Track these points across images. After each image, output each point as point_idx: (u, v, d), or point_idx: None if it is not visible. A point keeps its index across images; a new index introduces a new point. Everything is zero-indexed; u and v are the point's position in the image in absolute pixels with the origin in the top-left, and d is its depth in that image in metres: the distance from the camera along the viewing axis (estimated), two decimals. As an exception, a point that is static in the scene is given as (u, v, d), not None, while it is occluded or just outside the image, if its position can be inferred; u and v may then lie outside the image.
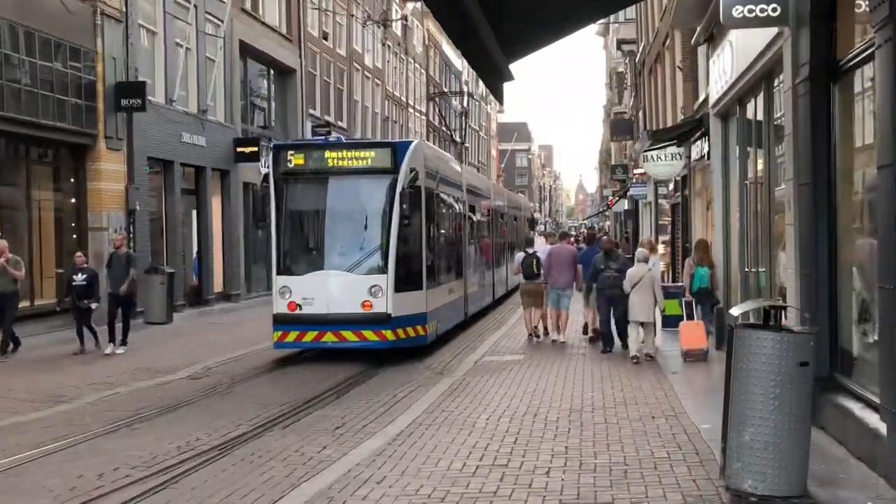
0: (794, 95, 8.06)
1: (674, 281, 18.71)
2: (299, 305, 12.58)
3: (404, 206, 12.48)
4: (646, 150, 18.78)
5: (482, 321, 18.58)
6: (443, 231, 15.18)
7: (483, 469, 6.76)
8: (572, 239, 17.14)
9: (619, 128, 37.75)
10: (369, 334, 12.52)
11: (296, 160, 12.87)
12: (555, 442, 7.57)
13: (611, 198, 50.59)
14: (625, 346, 13.10)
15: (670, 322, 14.54)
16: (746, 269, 11.91)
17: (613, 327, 13.23)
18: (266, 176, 13.18)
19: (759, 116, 10.64)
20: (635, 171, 30.91)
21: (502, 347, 14.40)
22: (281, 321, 12.69)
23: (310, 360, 13.67)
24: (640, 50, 30.29)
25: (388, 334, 12.54)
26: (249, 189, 26.54)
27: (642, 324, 12.40)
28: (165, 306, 18.84)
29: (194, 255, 22.92)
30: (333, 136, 15.70)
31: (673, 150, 18.41)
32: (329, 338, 12.58)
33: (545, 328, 14.96)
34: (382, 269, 12.51)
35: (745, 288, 12.04)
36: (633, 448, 7.24)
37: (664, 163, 18.81)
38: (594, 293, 13.44)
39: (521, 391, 10.26)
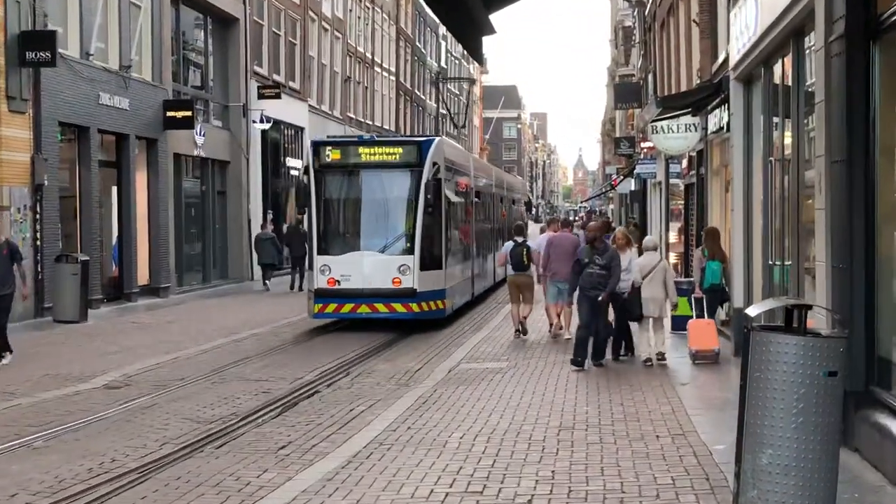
0: (826, 56, 8.06)
1: (687, 276, 18.85)
2: (338, 281, 17.43)
3: (428, 196, 17.34)
4: (655, 120, 18.83)
5: (464, 319, 19.72)
6: (457, 218, 20.06)
7: (454, 497, 6.78)
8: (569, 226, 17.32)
9: (625, 93, 37.90)
10: (398, 306, 17.41)
11: (333, 154, 17.70)
12: (540, 465, 7.61)
13: (615, 177, 50.82)
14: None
15: (677, 324, 14.76)
16: (770, 262, 11.99)
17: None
18: (306, 168, 17.90)
19: (788, 81, 10.67)
20: (643, 146, 31.05)
21: (483, 353, 14.47)
22: (321, 295, 17.46)
23: (255, 365, 13.72)
24: None
25: (414, 307, 17.47)
26: (183, 162, 26.39)
27: (653, 320, 12.84)
28: (78, 302, 18.69)
29: (114, 241, 22.82)
30: (367, 135, 21.68)
31: (687, 120, 18.49)
32: (363, 309, 17.42)
33: (523, 326, 16.11)
34: (410, 251, 17.47)
35: (768, 284, 12.13)
36: (632, 473, 7.29)
37: (676, 135, 18.89)
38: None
39: (502, 404, 10.30)
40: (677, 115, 18.40)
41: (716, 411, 9.76)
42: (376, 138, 19.08)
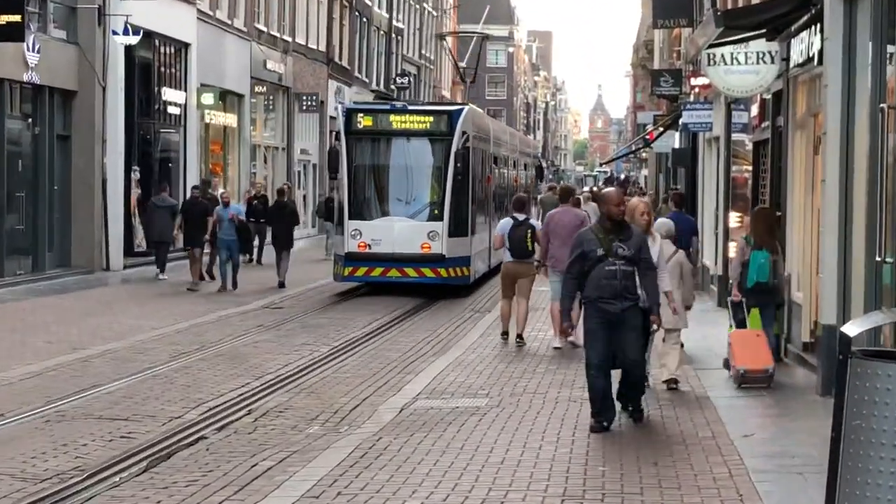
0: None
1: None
2: (369, 245, 25.07)
3: (458, 164, 25.41)
4: (713, 46, 18.89)
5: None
6: (481, 186, 28.70)
7: None
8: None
9: (669, 5, 37.96)
10: (427, 271, 25.06)
11: (365, 122, 25.81)
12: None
13: (650, 128, 50.99)
14: (632, 411, 12.28)
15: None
16: (879, 258, 12.08)
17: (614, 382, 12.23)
18: (338, 134, 26.16)
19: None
20: (693, 83, 31.13)
21: (452, 383, 14.50)
22: (352, 258, 25.17)
23: (111, 397, 13.67)
24: None
25: (443, 272, 25.16)
26: (5, 91, 26.14)
27: (665, 332, 13.38)
28: None
29: None
30: (399, 103, 28.29)
31: (760, 46, 18.57)
32: (393, 273, 25.07)
33: (520, 335, 17.79)
34: (439, 217, 25.40)
35: (874, 289, 12.23)
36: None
37: (744, 68, 18.96)
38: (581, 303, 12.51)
39: (476, 464, 10.35)
40: (746, 39, 18.47)
41: (793, 475, 9.84)
42: (408, 107, 27.15)
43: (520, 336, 17.88)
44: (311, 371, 16.12)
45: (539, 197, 40.95)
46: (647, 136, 51.51)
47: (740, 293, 14.90)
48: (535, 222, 18.72)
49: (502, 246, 18.31)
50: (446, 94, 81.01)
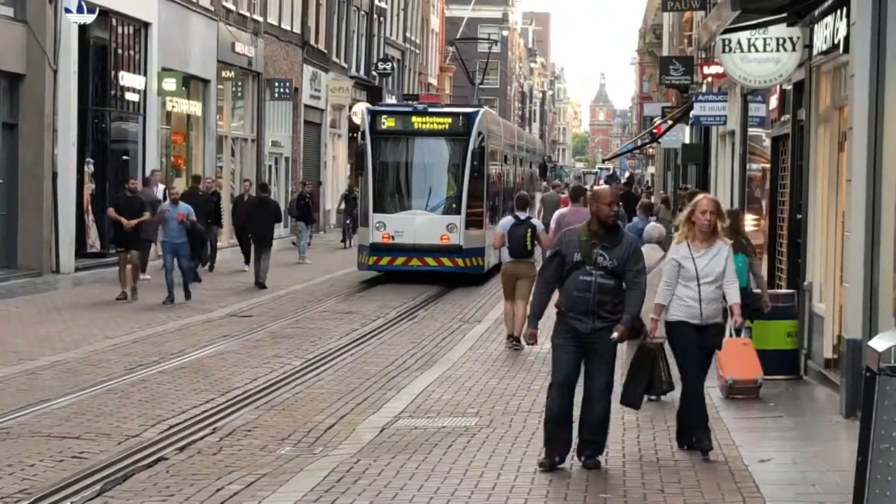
0: None
1: (773, 283, 19.06)
2: (392, 236, 30.47)
3: (474, 162, 30.83)
4: (729, 31, 18.93)
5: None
6: (494, 182, 34.53)
7: None
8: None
9: (680, -15, 38.01)
10: (446, 261, 30.40)
11: (388, 122, 31.78)
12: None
13: (658, 121, 51.09)
14: (586, 456, 11.20)
15: (775, 364, 15.48)
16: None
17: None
18: (363, 133, 31.90)
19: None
20: (706, 72, 31.17)
21: (438, 401, 14.52)
22: (377, 249, 30.64)
23: (61, 413, 13.64)
24: None
25: (460, 262, 30.48)
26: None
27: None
28: None
29: None
30: (420, 105, 33.59)
31: (779, 31, 18.59)
32: (414, 262, 30.44)
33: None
34: (457, 211, 30.79)
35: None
36: None
37: (762, 56, 18.98)
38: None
39: (465, 490, 10.34)
40: (764, 24, 18.49)
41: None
42: (429, 109, 32.91)
43: (516, 339, 18.77)
44: (282, 386, 16.10)
45: (540, 195, 41.43)
46: (655, 130, 51.66)
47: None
48: (537, 222, 20.25)
49: (502, 245, 19.51)
50: (433, 81, 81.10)
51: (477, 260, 30.92)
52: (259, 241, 29.07)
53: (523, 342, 15.47)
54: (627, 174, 73.51)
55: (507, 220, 19.89)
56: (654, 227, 14.93)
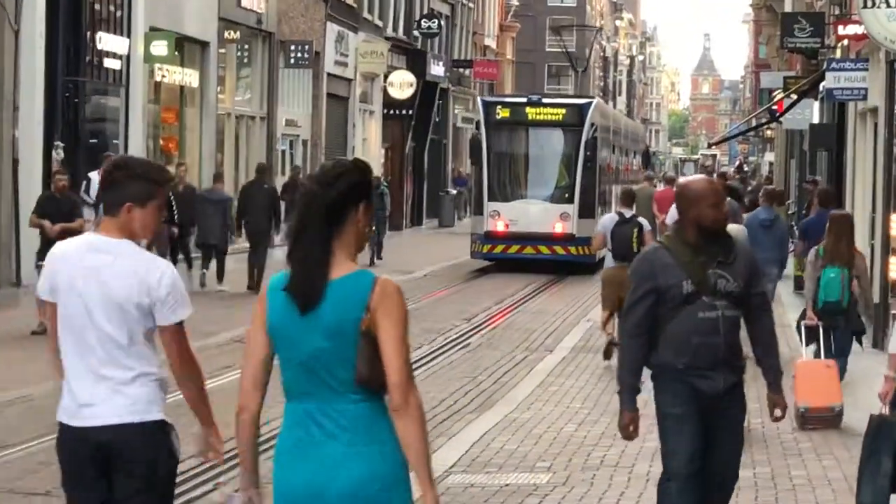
0: None
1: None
2: (507, 224, 39.98)
3: (588, 152, 40.75)
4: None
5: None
6: (605, 172, 44.67)
7: None
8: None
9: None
10: (559, 249, 39.95)
11: (503, 113, 41.84)
12: None
13: (778, 96, 50.90)
14: None
15: None
16: None
17: None
18: (478, 123, 42.58)
19: None
20: (841, 33, 31.01)
21: (499, 451, 14.53)
22: (491, 237, 40.19)
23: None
24: None
25: (573, 250, 39.45)
26: None
27: None
28: None
29: None
30: (534, 96, 43.54)
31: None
32: (528, 250, 39.91)
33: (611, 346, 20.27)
34: (570, 200, 40.59)
35: None
36: None
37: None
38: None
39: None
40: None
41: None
42: (543, 100, 42.70)
43: (609, 349, 20.24)
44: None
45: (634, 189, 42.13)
46: (775, 107, 51.41)
47: (814, 313, 16.97)
48: (644, 221, 21.66)
49: (603, 246, 21.41)
50: (490, 43, 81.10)
51: (588, 249, 36.21)
52: (255, 234, 30.89)
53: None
54: (738, 162, 73.22)
55: (608, 218, 21.71)
56: (737, 231, 14.95)
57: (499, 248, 39.93)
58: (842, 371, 16.58)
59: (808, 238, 20.70)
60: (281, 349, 6.30)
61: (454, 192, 66.34)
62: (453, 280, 37.87)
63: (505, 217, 39.66)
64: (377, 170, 54.28)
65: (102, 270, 7.18)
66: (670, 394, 9.63)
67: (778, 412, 9.62)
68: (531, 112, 41.53)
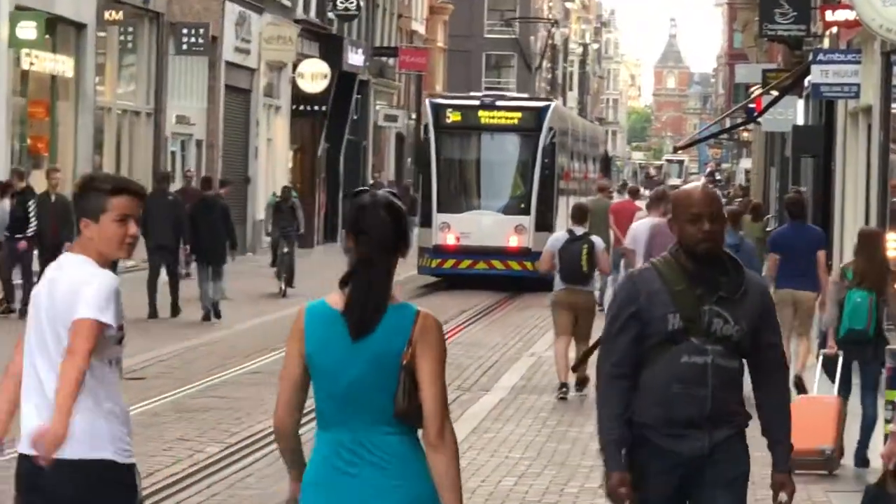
0: None
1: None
2: (457, 238, 43.88)
3: (546, 160, 45.39)
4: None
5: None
6: (563, 181, 48.74)
7: None
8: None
9: None
10: (514, 264, 43.67)
11: (454, 116, 46.00)
12: None
13: (756, 92, 51.17)
14: None
15: None
16: None
17: None
18: (426, 127, 47.05)
19: None
20: (829, 19, 31.11)
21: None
22: (440, 251, 44.14)
23: None
24: None
25: (529, 265, 39.96)
26: None
27: None
28: None
29: None
30: (487, 98, 45.34)
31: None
32: (481, 265, 43.76)
33: (579, 377, 21.12)
34: (526, 211, 44.88)
35: None
36: None
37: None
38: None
39: None
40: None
41: None
42: (497, 103, 44.51)
43: (575, 384, 21.40)
44: (192, 485, 16.04)
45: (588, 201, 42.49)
46: (752, 105, 51.71)
47: (835, 343, 17.26)
48: (597, 239, 22.50)
49: (551, 268, 21.96)
50: (418, 27, 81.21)
51: None
52: (207, 255, 31.77)
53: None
54: (708, 169, 73.68)
55: (557, 237, 22.51)
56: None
57: (449, 263, 42.76)
58: (870, 413, 16.60)
59: (777, 251, 21.48)
60: (319, 378, 7.00)
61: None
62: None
63: (455, 230, 42.46)
64: (284, 176, 54.20)
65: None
66: (644, 458, 8.77)
67: (783, 497, 8.64)
68: (484, 115, 44.35)
